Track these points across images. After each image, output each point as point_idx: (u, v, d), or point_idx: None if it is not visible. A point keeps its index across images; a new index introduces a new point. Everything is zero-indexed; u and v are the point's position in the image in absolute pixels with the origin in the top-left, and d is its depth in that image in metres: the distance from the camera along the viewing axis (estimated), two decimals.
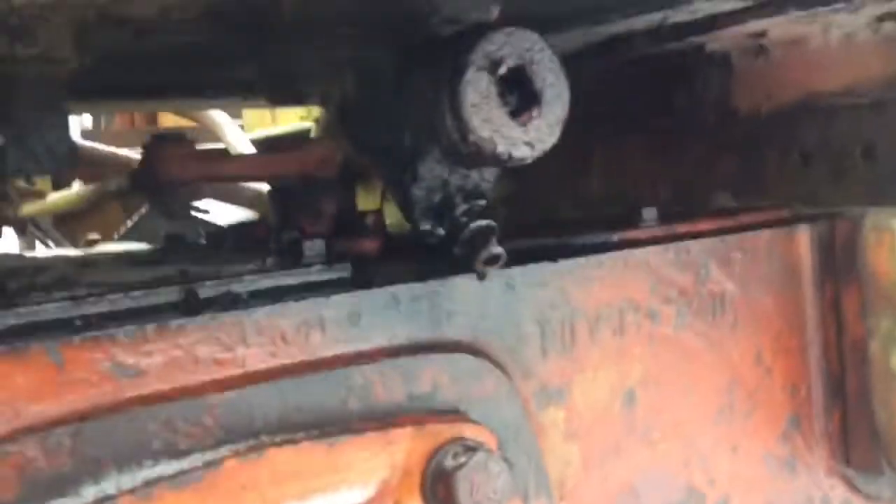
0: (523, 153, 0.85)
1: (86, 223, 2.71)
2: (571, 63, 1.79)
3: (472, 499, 0.86)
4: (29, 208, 2.15)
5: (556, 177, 2.09)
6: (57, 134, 0.91)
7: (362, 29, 0.92)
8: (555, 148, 2.15)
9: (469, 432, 0.92)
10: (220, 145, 3.06)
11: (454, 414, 0.94)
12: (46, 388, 0.74)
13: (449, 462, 0.87)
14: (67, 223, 2.75)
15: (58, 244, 2.65)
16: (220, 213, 2.04)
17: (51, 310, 0.80)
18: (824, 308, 1.25)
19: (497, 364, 0.99)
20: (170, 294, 0.87)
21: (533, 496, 1.00)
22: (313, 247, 0.99)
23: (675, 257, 1.15)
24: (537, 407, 1.04)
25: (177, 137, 1.20)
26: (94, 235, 2.16)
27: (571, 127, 2.05)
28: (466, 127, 0.82)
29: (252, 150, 2.90)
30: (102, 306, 0.83)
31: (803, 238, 1.24)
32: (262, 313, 0.85)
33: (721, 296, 1.19)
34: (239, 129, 3.04)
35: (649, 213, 1.24)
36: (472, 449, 0.89)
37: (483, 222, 0.92)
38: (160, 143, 1.19)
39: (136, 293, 0.85)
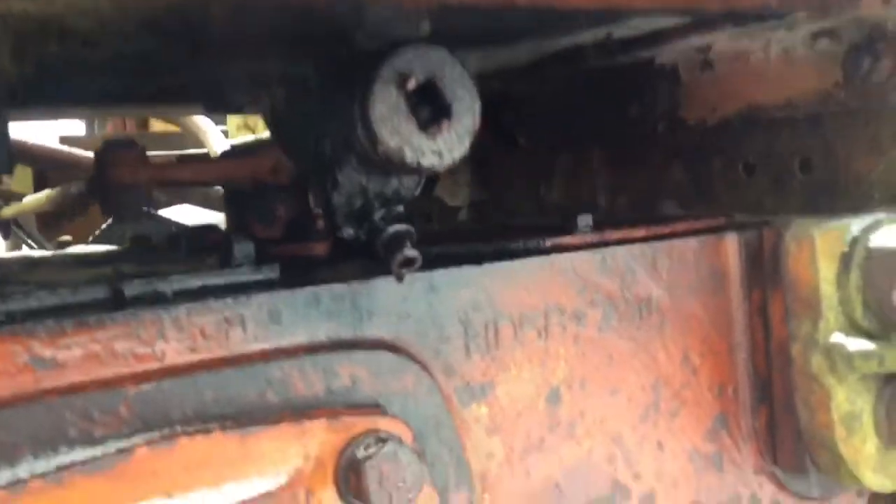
0: (432, 161, 0.90)
1: (69, 225, 2.77)
2: (530, 73, 1.84)
3: (381, 487, 0.91)
4: (8, 210, 2.21)
5: (521, 184, 2.15)
6: None
7: (290, 44, 0.97)
8: (521, 156, 2.19)
9: (383, 425, 0.96)
10: (204, 150, 3.12)
11: (371, 408, 0.98)
12: None
13: (360, 452, 0.92)
14: (51, 225, 2.81)
15: (40, 245, 2.71)
16: (188, 214, 2.09)
17: None
18: (752, 312, 1.29)
19: (418, 361, 1.04)
20: (96, 292, 0.92)
21: (453, 487, 1.04)
22: (242, 249, 1.03)
23: (601, 262, 1.19)
24: (460, 403, 1.08)
25: (127, 143, 1.25)
26: (65, 237, 2.21)
27: (536, 135, 2.10)
28: (375, 137, 0.87)
29: None
30: (28, 303, 0.88)
31: (731, 246, 1.28)
32: (182, 310, 0.90)
33: (647, 300, 1.23)
34: (222, 135, 3.10)
35: (584, 220, 1.29)
36: (383, 440, 0.93)
37: (400, 227, 0.97)
38: (110, 149, 1.24)
39: (63, 291, 0.90)
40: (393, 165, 0.90)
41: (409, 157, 0.88)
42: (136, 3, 0.91)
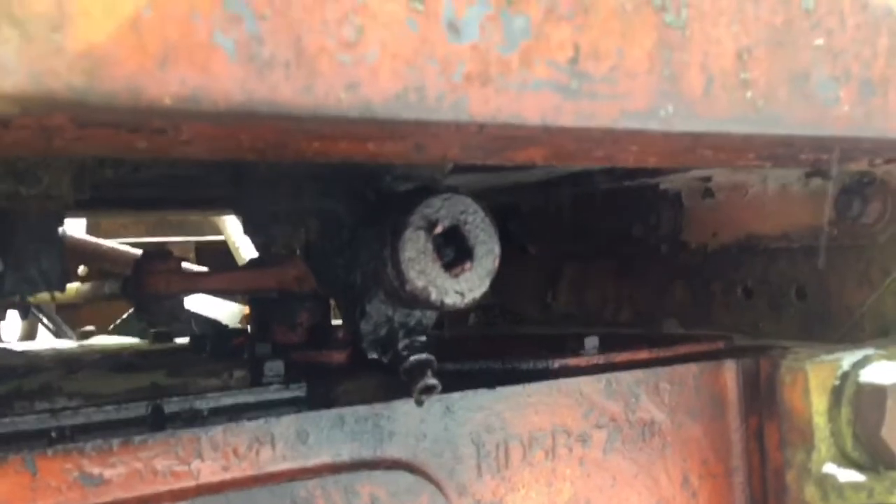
0: (454, 300, 0.98)
1: (87, 311, 2.85)
2: (539, 190, 1.94)
3: None
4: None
5: (529, 291, 2.23)
6: (51, 260, 1.04)
7: (324, 184, 1.06)
8: (529, 263, 2.27)
9: None
10: (221, 237, 3.22)
11: None
12: (20, 493, 0.85)
13: None
14: (70, 310, 2.89)
15: (59, 330, 2.78)
16: (203, 304, 2.17)
17: (31, 421, 0.92)
18: (749, 437, 1.35)
19: (433, 481, 1.10)
20: (138, 409, 0.99)
21: None
22: (272, 367, 1.11)
23: (606, 386, 1.26)
24: None
25: (164, 255, 1.34)
26: (89, 328, 2.29)
27: (544, 245, 2.18)
28: (404, 277, 0.95)
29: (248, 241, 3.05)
30: (77, 419, 0.95)
31: (730, 372, 1.35)
32: (217, 430, 0.97)
33: (650, 423, 1.29)
34: (239, 223, 3.19)
35: (591, 342, 1.36)
36: None
37: (422, 356, 1.04)
38: (148, 259, 1.32)
39: (108, 407, 0.97)
40: (418, 303, 0.98)
41: (434, 296, 0.96)
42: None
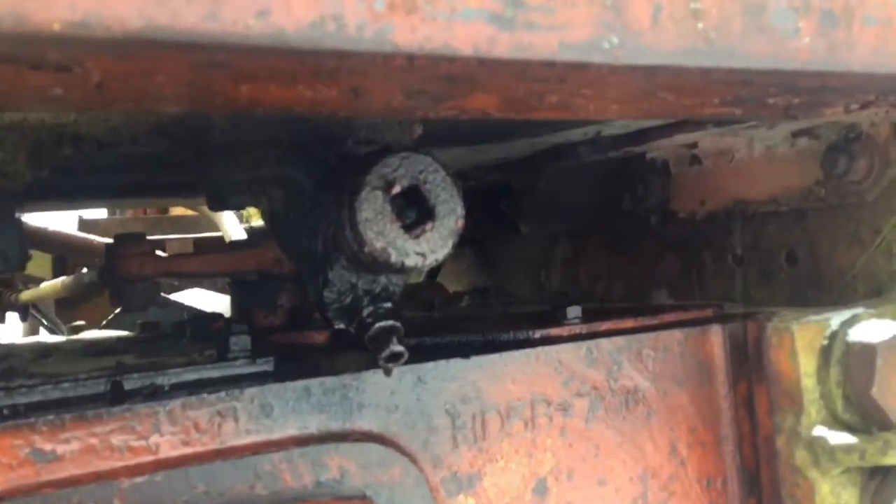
0: (415, 262, 0.95)
1: (86, 309, 2.84)
2: (527, 165, 1.91)
3: None
4: (26, 294, 2.27)
5: (522, 270, 2.20)
6: (9, 239, 1.02)
7: (285, 150, 1.03)
8: (521, 243, 2.24)
9: None
10: (219, 234, 3.21)
11: (359, 499, 1.01)
12: None
13: None
14: (68, 308, 2.88)
15: (57, 329, 2.77)
16: (198, 299, 2.15)
17: None
18: (738, 404, 1.31)
19: (406, 453, 1.07)
20: (97, 386, 0.96)
21: None
22: (238, 341, 1.08)
23: (586, 354, 1.23)
24: (447, 494, 1.11)
25: (136, 237, 1.31)
26: (79, 322, 2.28)
27: (536, 223, 2.15)
28: (362, 239, 0.92)
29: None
30: (33, 397, 0.92)
31: (716, 338, 1.32)
32: (177, 403, 0.94)
33: (633, 390, 1.26)
34: (236, 219, 3.18)
35: (573, 312, 1.33)
36: None
37: (387, 323, 1.01)
38: (119, 242, 1.30)
39: (65, 385, 0.95)
40: (378, 265, 0.95)
41: (394, 258, 0.94)
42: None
